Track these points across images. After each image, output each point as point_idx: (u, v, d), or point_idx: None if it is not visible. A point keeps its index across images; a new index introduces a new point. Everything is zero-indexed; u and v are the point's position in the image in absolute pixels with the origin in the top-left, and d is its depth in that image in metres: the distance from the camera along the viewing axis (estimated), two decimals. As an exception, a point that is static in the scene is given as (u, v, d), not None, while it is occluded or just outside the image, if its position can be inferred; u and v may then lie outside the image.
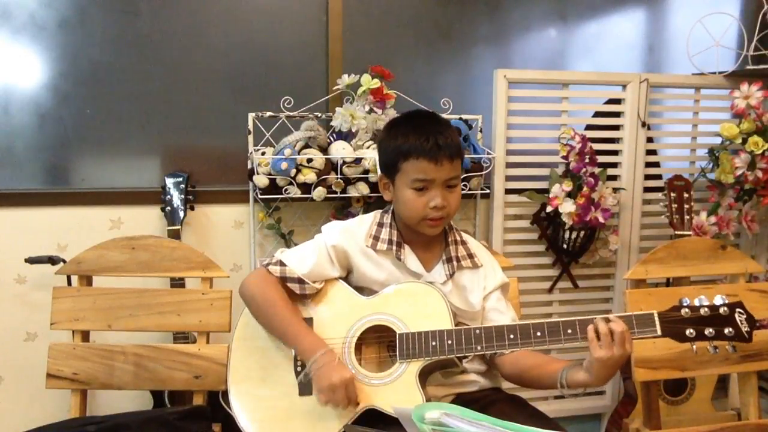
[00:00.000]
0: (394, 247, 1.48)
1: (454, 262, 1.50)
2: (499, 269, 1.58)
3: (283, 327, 1.42)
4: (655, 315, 1.30)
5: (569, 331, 1.32)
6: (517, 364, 1.45)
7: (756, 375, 1.83)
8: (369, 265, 1.48)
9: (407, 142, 1.42)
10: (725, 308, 1.29)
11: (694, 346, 1.31)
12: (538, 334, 1.33)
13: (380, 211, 1.56)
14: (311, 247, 1.51)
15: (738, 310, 1.30)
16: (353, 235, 1.51)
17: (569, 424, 2.50)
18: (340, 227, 1.53)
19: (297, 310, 1.45)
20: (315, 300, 1.48)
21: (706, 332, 1.29)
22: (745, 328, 1.29)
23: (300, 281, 1.45)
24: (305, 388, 1.40)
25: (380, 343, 1.45)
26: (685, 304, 1.31)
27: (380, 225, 1.52)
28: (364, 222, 1.54)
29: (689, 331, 1.29)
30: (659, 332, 1.30)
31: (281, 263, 1.47)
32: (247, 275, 1.51)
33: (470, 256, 1.54)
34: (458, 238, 1.55)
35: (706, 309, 1.29)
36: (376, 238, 1.49)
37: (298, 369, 1.42)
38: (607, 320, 1.28)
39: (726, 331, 1.29)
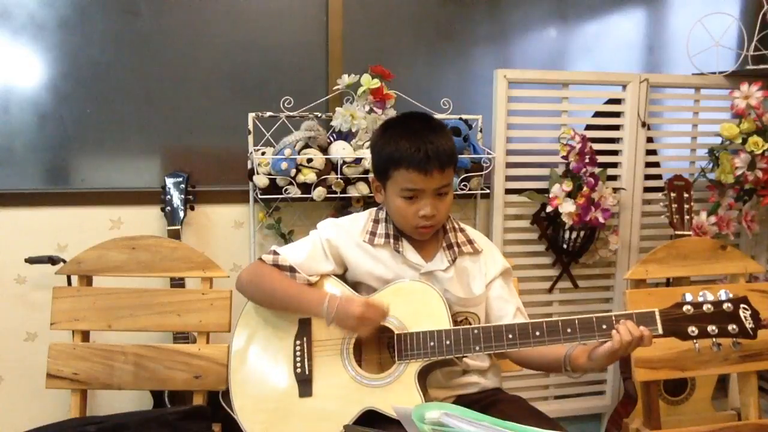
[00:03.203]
0: (392, 240, 1.48)
1: (455, 248, 1.51)
2: (499, 255, 1.58)
3: (285, 295, 1.44)
4: (657, 313, 1.28)
5: (568, 330, 1.32)
6: (526, 353, 1.47)
7: (756, 375, 1.83)
8: (365, 259, 1.48)
9: (398, 150, 1.40)
10: (729, 304, 1.25)
11: (697, 344, 1.28)
12: (537, 333, 1.33)
13: (375, 208, 1.57)
14: (305, 241, 1.53)
15: (743, 306, 1.26)
16: (347, 230, 1.51)
17: (569, 424, 2.50)
18: (334, 223, 1.54)
19: (293, 279, 1.46)
20: None
21: (709, 330, 1.25)
22: (749, 325, 1.25)
23: (291, 269, 1.46)
24: (305, 389, 1.40)
25: (380, 343, 1.45)
26: (687, 301, 1.27)
27: (376, 221, 1.52)
28: (360, 218, 1.55)
29: (691, 329, 1.26)
30: (660, 331, 1.27)
31: (274, 252, 1.49)
32: (242, 270, 1.53)
33: (470, 241, 1.54)
34: (456, 226, 1.56)
35: (709, 306, 1.26)
36: (373, 233, 1.50)
37: (298, 371, 1.41)
38: (608, 320, 1.29)
39: (730, 328, 1.25)
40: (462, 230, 1.56)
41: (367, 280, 1.48)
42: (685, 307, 1.27)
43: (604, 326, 1.30)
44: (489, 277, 1.53)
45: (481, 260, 1.54)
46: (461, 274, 1.50)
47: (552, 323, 1.33)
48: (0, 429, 2.18)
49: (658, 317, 1.28)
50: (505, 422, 0.93)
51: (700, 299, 1.27)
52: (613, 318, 1.29)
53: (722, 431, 1.70)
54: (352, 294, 1.44)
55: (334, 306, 1.36)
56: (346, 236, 1.50)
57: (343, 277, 1.52)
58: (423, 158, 1.38)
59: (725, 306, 1.26)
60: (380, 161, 1.47)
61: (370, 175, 2.08)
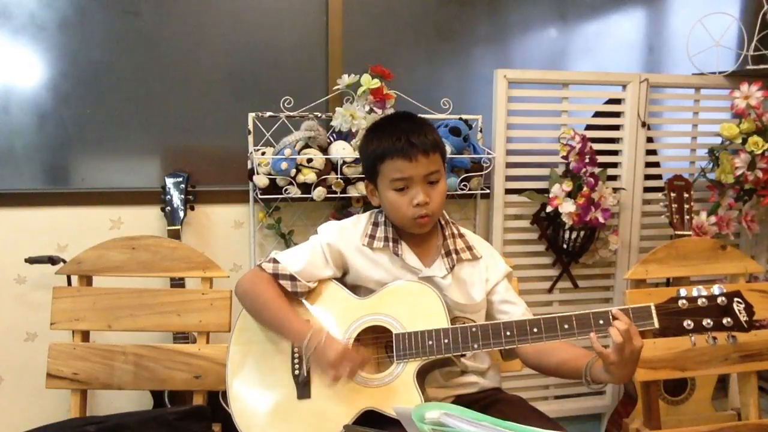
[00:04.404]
0: (391, 244, 1.48)
1: (454, 255, 1.50)
2: (500, 259, 1.58)
3: (272, 317, 1.43)
4: (652, 307, 1.29)
5: (566, 326, 1.31)
6: (539, 359, 1.46)
7: (756, 375, 1.83)
8: (365, 263, 1.48)
9: (381, 145, 1.43)
10: (723, 298, 1.27)
11: (693, 338, 1.28)
12: (535, 330, 1.33)
13: (375, 210, 1.57)
14: (305, 246, 1.52)
15: (736, 299, 1.27)
16: (349, 233, 1.51)
17: (569, 424, 2.50)
18: (335, 226, 1.53)
19: (287, 300, 1.44)
20: (311, 302, 1.47)
21: (704, 323, 1.26)
22: (743, 318, 1.26)
23: (292, 278, 1.45)
24: (304, 391, 1.40)
25: (378, 343, 1.45)
26: (682, 296, 1.28)
27: (375, 224, 1.52)
28: (360, 221, 1.54)
29: (687, 323, 1.27)
30: (656, 324, 1.28)
31: (274, 261, 1.48)
32: (242, 275, 1.52)
33: (469, 248, 1.54)
34: (456, 232, 1.55)
35: (703, 299, 1.27)
36: (372, 236, 1.49)
37: (296, 372, 1.41)
38: (605, 315, 1.28)
39: (724, 321, 1.26)
40: (462, 236, 1.56)
41: (367, 284, 1.48)
42: (680, 302, 1.28)
43: (601, 321, 1.30)
44: (491, 282, 1.52)
45: (481, 266, 1.53)
46: (460, 282, 1.49)
47: (549, 319, 1.33)
48: (0, 429, 2.19)
49: (653, 311, 1.29)
50: (505, 422, 0.93)
51: (695, 294, 1.28)
52: (610, 313, 1.29)
53: (722, 431, 1.70)
54: (331, 338, 1.36)
55: (314, 345, 1.33)
56: (348, 240, 1.50)
57: (342, 279, 1.51)
58: (405, 145, 1.40)
59: (719, 300, 1.27)
60: (367, 161, 1.49)
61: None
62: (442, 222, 1.54)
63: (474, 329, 1.35)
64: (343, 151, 2.13)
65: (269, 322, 1.44)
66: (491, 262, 1.55)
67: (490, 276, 1.53)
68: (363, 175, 2.10)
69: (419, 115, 1.55)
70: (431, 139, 1.44)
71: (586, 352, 1.38)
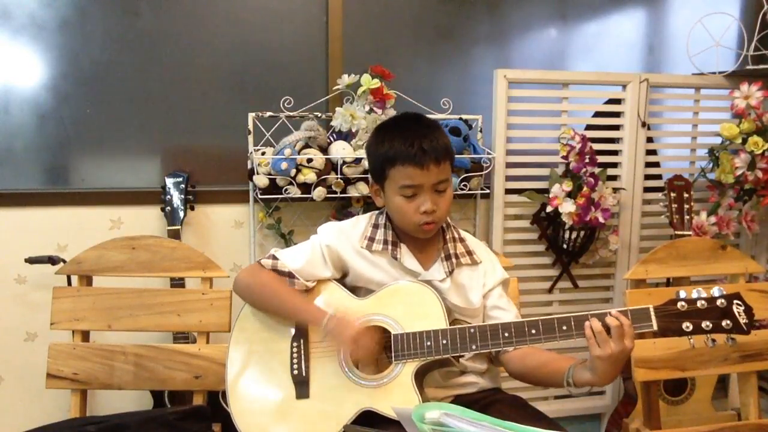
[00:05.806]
0: (390, 247, 1.48)
1: (453, 260, 1.50)
2: (499, 265, 1.57)
3: (283, 304, 1.43)
4: (651, 309, 1.28)
5: (564, 327, 1.31)
6: (523, 362, 1.44)
7: (756, 375, 1.83)
8: (365, 265, 1.48)
9: (393, 148, 1.41)
10: (722, 300, 1.26)
11: (692, 340, 1.28)
12: (533, 331, 1.33)
13: (375, 212, 1.56)
14: (305, 245, 1.52)
15: (736, 301, 1.26)
16: (348, 236, 1.51)
17: (569, 424, 2.50)
18: (335, 228, 1.53)
19: (293, 287, 1.46)
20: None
21: (704, 325, 1.26)
22: (743, 320, 1.25)
23: (290, 275, 1.45)
24: (302, 391, 1.40)
25: (376, 344, 1.45)
26: (681, 297, 1.28)
27: (375, 226, 1.52)
28: (360, 223, 1.54)
29: (686, 325, 1.26)
30: (655, 327, 1.27)
31: (273, 257, 1.48)
32: (240, 271, 1.52)
33: (469, 253, 1.53)
34: (456, 236, 1.55)
35: (703, 302, 1.26)
36: (371, 239, 1.49)
37: (295, 372, 1.41)
38: (603, 316, 1.27)
39: (724, 323, 1.25)
40: (462, 240, 1.55)
41: (367, 285, 1.48)
42: (679, 304, 1.28)
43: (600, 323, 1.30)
44: (487, 287, 1.52)
45: (479, 271, 1.53)
46: (458, 286, 1.49)
47: (548, 321, 1.32)
48: (0, 429, 2.19)
49: (652, 313, 1.28)
50: (505, 422, 0.93)
51: (694, 296, 1.28)
52: (609, 314, 1.29)
53: (722, 431, 1.70)
54: (350, 321, 1.39)
55: (333, 323, 1.36)
56: (347, 242, 1.50)
57: (342, 280, 1.51)
58: (418, 152, 1.38)
59: (719, 302, 1.26)
60: (376, 162, 1.47)
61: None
62: (444, 225, 1.54)
63: (472, 330, 1.35)
64: (343, 151, 2.13)
65: (278, 307, 1.45)
66: (489, 267, 1.54)
67: (487, 281, 1.52)
68: (365, 175, 2.12)
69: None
70: (443, 145, 1.42)
71: (568, 357, 1.38)
